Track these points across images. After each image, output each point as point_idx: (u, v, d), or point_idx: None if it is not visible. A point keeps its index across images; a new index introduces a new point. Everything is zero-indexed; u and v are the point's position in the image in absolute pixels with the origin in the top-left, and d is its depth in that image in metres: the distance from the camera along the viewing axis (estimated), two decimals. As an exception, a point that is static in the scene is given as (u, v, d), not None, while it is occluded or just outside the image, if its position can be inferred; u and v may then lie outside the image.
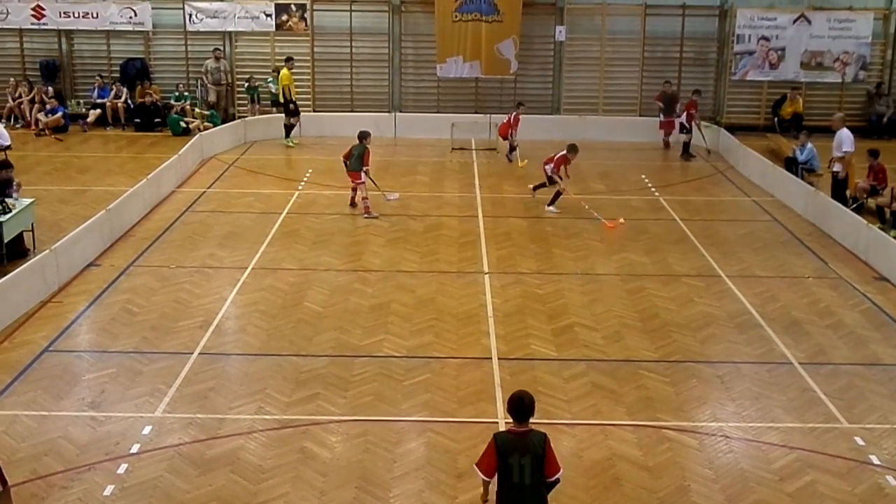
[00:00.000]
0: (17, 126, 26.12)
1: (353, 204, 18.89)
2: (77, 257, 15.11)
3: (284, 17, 27.07)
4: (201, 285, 14.64)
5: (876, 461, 9.88)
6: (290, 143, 25.03)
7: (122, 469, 9.48)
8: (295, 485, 9.31)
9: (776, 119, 27.01)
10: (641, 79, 27.42)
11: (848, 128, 19.31)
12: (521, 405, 7.41)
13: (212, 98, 27.00)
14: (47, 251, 14.27)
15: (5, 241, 14.98)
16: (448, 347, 12.48)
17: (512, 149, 23.38)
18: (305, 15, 27.07)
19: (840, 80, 27.10)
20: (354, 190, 18.80)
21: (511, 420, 7.58)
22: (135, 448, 9.87)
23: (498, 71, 26.96)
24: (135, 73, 27.21)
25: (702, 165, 23.77)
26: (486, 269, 15.57)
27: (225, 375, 11.62)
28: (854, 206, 18.38)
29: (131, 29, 27.11)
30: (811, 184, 19.64)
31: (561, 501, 8.78)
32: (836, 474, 9.64)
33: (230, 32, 27.40)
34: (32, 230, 16.02)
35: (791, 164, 21.43)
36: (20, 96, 26.63)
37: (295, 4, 26.99)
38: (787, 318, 13.67)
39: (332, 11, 27.20)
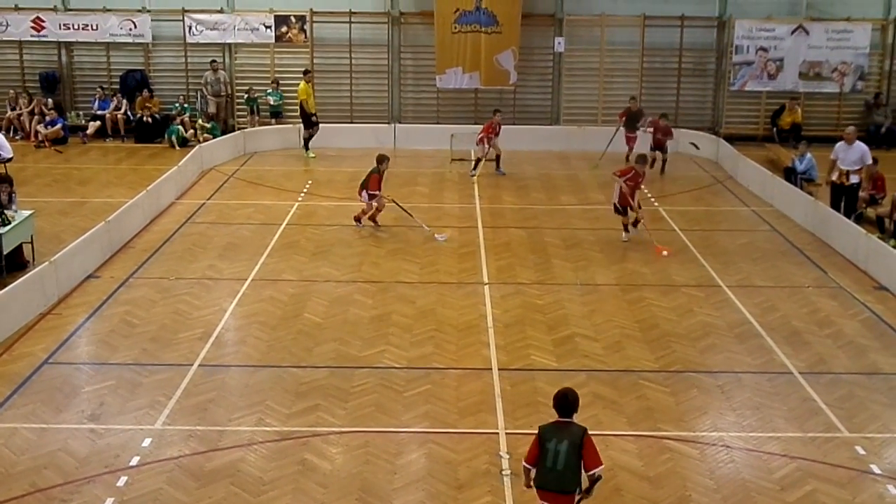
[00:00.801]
0: (17, 138, 26.13)
1: (373, 221, 18.49)
2: (76, 269, 15.11)
3: (284, 29, 27.13)
4: (201, 297, 14.64)
5: (877, 470, 9.87)
6: (311, 155, 24.91)
7: (121, 482, 9.45)
8: (295, 497, 9.29)
9: (775, 129, 27.04)
10: (641, 89, 27.42)
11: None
12: (564, 400, 7.95)
13: (211, 109, 27.03)
14: (47, 263, 14.27)
15: (5, 252, 14.96)
16: (448, 358, 12.47)
17: (496, 158, 23.30)
18: (305, 27, 27.13)
19: (838, 91, 27.15)
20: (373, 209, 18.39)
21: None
22: (134, 460, 9.85)
23: (497, 82, 27.02)
24: (135, 84, 27.25)
25: (701, 175, 23.78)
26: (485, 279, 15.57)
27: (225, 387, 11.60)
28: (854, 216, 18.38)
29: (131, 41, 27.17)
30: (810, 193, 19.64)
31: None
32: (836, 484, 9.62)
33: (230, 44, 27.46)
34: (32, 242, 16.01)
35: (790, 174, 21.45)
36: (20, 108, 26.67)
37: (294, 16, 27.05)
38: (787, 328, 13.67)
39: (331, 23, 27.26)
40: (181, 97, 27.02)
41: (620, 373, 12.06)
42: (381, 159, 18.32)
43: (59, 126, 25.98)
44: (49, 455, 9.95)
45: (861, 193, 18.84)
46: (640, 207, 17.75)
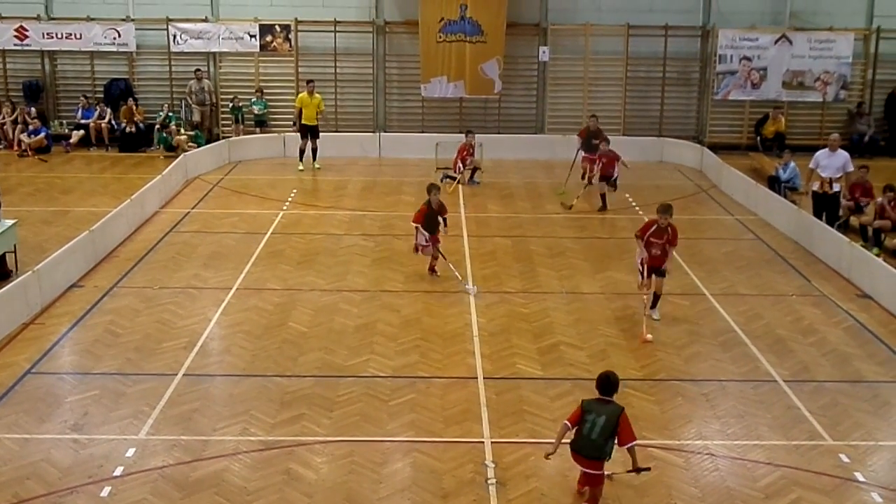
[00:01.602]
0: (0, 147, 26.00)
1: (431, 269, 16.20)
2: (60, 278, 15.03)
3: (269, 38, 27.11)
4: (185, 306, 14.58)
5: (861, 478, 9.90)
6: (299, 168, 24.38)
7: (105, 492, 9.40)
8: (280, 506, 9.26)
9: (759, 138, 27.14)
10: (625, 98, 27.59)
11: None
12: (606, 381, 9.24)
13: (196, 118, 27.00)
14: (30, 272, 14.20)
15: (-13, 262, 14.91)
16: (433, 367, 12.45)
17: (472, 170, 23.28)
18: (290, 36, 27.12)
19: (821, 100, 27.31)
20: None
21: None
22: (118, 471, 9.79)
23: (482, 91, 27.08)
24: (119, 93, 27.18)
25: (685, 184, 23.87)
26: (472, 289, 15.55)
27: (209, 397, 11.56)
28: (838, 224, 18.46)
29: (115, 50, 27.11)
30: (794, 202, 19.74)
31: (547, 521, 8.76)
32: (821, 491, 9.65)
33: (214, 53, 27.44)
34: (15, 251, 15.91)
35: (774, 183, 21.56)
36: (3, 117, 26.56)
37: (279, 25, 27.04)
38: (771, 336, 13.72)
39: (316, 32, 27.26)
40: (165, 106, 26.96)
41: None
42: (429, 188, 16.00)
43: (42, 135, 25.89)
44: (32, 465, 9.88)
45: (844, 201, 18.92)
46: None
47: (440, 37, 26.67)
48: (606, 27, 27.20)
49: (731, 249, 18.11)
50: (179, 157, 23.17)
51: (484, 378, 12.11)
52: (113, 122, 26.76)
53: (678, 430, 10.94)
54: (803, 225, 18.38)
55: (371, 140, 26.94)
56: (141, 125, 26.62)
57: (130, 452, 10.15)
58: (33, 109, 26.36)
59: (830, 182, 18.62)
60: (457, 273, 15.65)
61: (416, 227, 15.73)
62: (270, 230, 18.76)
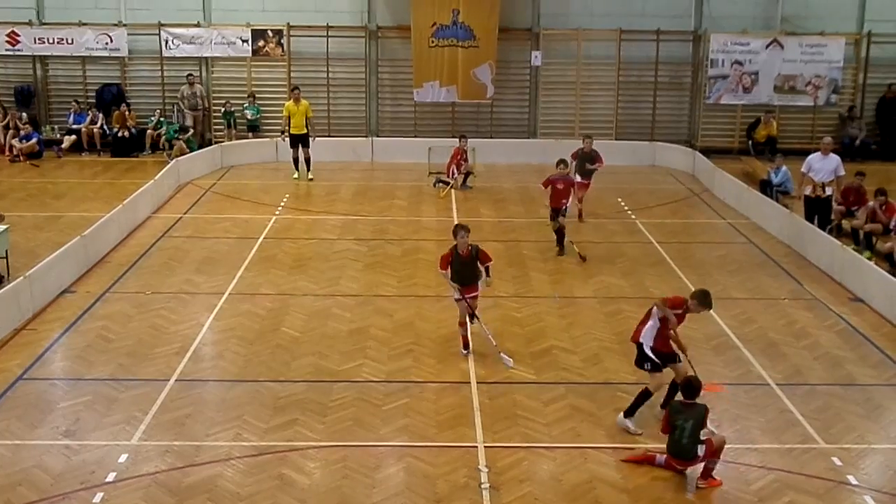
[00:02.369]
0: (-9, 152, 26.00)
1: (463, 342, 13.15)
2: (52, 284, 14.99)
3: (261, 43, 27.11)
4: (178, 311, 14.56)
5: (854, 481, 9.92)
6: (294, 176, 23.94)
7: (97, 498, 9.37)
8: (273, 512, 9.25)
9: (750, 142, 27.23)
10: (617, 103, 27.63)
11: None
12: (690, 386, 9.90)
13: (188, 123, 26.95)
14: (21, 278, 14.16)
15: (-21, 268, 14.86)
16: (427, 372, 12.45)
17: (465, 174, 23.28)
18: (282, 41, 27.12)
19: (813, 104, 27.38)
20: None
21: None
22: (111, 476, 9.76)
23: (474, 96, 27.09)
24: (111, 98, 27.14)
25: (678, 188, 23.91)
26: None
27: (202, 402, 11.53)
28: (829, 227, 18.50)
29: (107, 55, 27.06)
30: (786, 206, 19.78)
31: (541, 525, 8.75)
32: (814, 495, 9.67)
33: (206, 58, 27.42)
34: (6, 257, 15.86)
35: (766, 187, 21.61)
36: (-6, 122, 26.53)
37: (272, 30, 27.04)
38: (763, 340, 13.74)
39: (308, 37, 27.26)
40: (157, 111, 26.93)
41: (599, 385, 12.08)
42: (456, 230, 12.99)
43: (34, 140, 25.82)
44: (24, 472, 9.84)
45: (836, 205, 18.96)
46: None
47: (432, 41, 26.68)
48: (598, 32, 27.22)
49: (724, 253, 18.15)
50: (171, 162, 23.13)
51: (477, 382, 12.11)
52: (105, 127, 26.71)
53: (671, 433, 10.93)
54: (795, 228, 18.42)
55: (364, 145, 26.94)
56: (133, 130, 26.57)
57: (123, 458, 10.12)
58: (25, 115, 26.24)
59: (823, 186, 18.63)
60: (493, 341, 13.00)
61: (444, 275, 12.94)
62: (263, 235, 18.74)
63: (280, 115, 25.12)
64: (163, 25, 26.80)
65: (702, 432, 9.85)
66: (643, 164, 26.30)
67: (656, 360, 10.77)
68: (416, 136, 27.18)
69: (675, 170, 25.91)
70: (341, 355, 12.91)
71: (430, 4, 26.49)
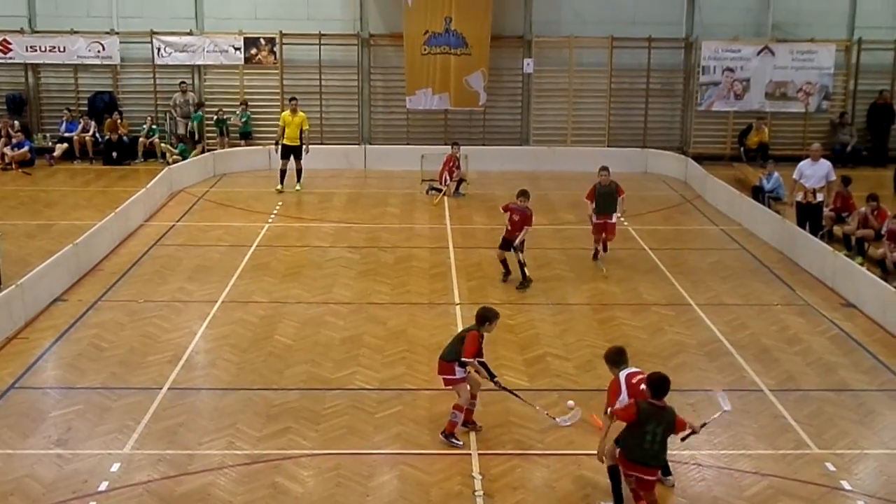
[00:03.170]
0: (-17, 161, 25.94)
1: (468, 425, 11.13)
2: (43, 292, 14.95)
3: (254, 51, 27.13)
4: (170, 319, 14.52)
5: (847, 486, 9.93)
6: (278, 188, 23.27)
7: (90, 507, 9.35)
8: (266, 520, 9.22)
9: (742, 149, 27.32)
10: (609, 110, 27.69)
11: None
12: (662, 383, 8.90)
13: (180, 131, 26.94)
14: (13, 286, 14.12)
15: (-29, 276, 14.82)
16: (420, 379, 12.43)
17: (458, 182, 23.29)
18: (275, 48, 27.13)
19: (804, 110, 27.48)
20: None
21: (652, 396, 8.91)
22: (103, 486, 9.72)
23: (467, 103, 27.13)
24: (103, 106, 27.14)
25: (670, 195, 23.95)
26: (457, 300, 15.56)
27: (195, 410, 11.50)
28: (821, 233, 18.55)
29: (99, 62, 27.07)
30: (778, 212, 19.82)
31: (535, 533, 8.73)
32: (808, 500, 9.67)
33: (199, 66, 27.41)
34: (-2, 265, 15.87)
35: (758, 193, 21.66)
36: (-14, 131, 26.45)
37: (264, 38, 27.06)
38: (756, 346, 13.76)
39: (301, 45, 27.29)
40: (149, 118, 26.91)
41: (592, 392, 12.04)
42: (486, 317, 10.98)
43: (26, 148, 25.79)
44: (15, 481, 9.80)
45: (827, 211, 19.00)
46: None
47: (425, 49, 26.72)
48: (590, 39, 27.31)
49: (716, 259, 18.17)
50: (164, 170, 23.09)
51: (470, 390, 12.07)
52: (97, 135, 26.68)
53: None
54: (787, 235, 18.46)
55: (356, 152, 26.96)
56: (125, 138, 26.54)
57: (115, 467, 10.08)
58: (17, 123, 26.23)
59: (814, 192, 18.66)
60: (542, 410, 11.43)
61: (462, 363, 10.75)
62: (256, 243, 18.72)
63: (272, 122, 25.12)
64: (155, 33, 26.80)
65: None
66: (635, 170, 26.31)
67: None
68: (408, 144, 27.20)
69: (668, 176, 25.97)
70: (334, 363, 12.89)
71: (422, 12, 26.53)
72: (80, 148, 26.65)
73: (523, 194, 16.31)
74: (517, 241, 16.04)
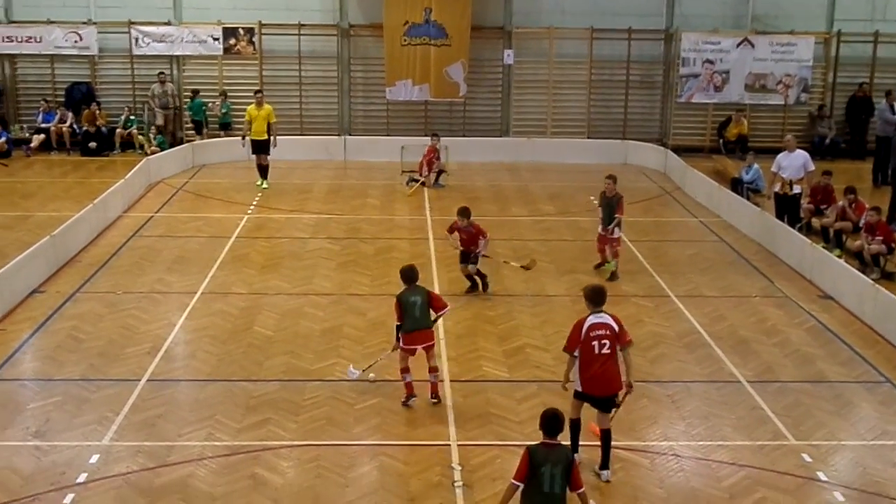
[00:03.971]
0: (-40, 151, 25.71)
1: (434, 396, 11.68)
2: (20, 284, 14.85)
3: (232, 41, 26.99)
4: (149, 311, 14.47)
5: (823, 477, 10.01)
6: (260, 185, 22.78)
7: (68, 499, 9.31)
8: (246, 512, 9.21)
9: (721, 140, 27.43)
10: (589, 101, 27.74)
11: (793, 149, 19.62)
12: (554, 421, 8.08)
13: (159, 122, 26.80)
14: (-10, 278, 14.03)
15: (-53, 268, 14.70)
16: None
17: (438, 172, 23.32)
18: (254, 39, 27.00)
19: (783, 103, 27.60)
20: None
21: (543, 435, 8.16)
22: (82, 477, 9.69)
23: (447, 94, 27.11)
24: (80, 97, 26.96)
25: (650, 186, 24.03)
26: (437, 291, 15.53)
27: (174, 402, 11.47)
28: (799, 226, 18.64)
29: (76, 53, 26.86)
30: (757, 204, 19.92)
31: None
32: (785, 491, 9.74)
33: (177, 56, 27.26)
34: (-25, 257, 15.75)
35: (737, 185, 21.75)
36: (-38, 121, 26.25)
37: (243, 28, 26.92)
38: (734, 337, 13.83)
39: (280, 35, 27.17)
40: (127, 108, 26.75)
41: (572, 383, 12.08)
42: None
43: (2, 139, 25.58)
44: (-7, 473, 9.76)
45: (805, 204, 19.09)
46: None
47: (405, 40, 26.67)
48: (570, 30, 27.32)
49: (695, 251, 18.25)
50: (142, 161, 22.96)
51: (450, 381, 12.11)
52: (74, 126, 26.51)
53: (644, 431, 10.99)
54: (766, 227, 18.56)
55: (336, 143, 26.90)
56: (103, 129, 26.38)
57: (94, 459, 10.05)
58: (-7, 113, 26.09)
59: (790, 183, 18.74)
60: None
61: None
62: (235, 234, 18.66)
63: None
64: (133, 23, 26.62)
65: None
66: (615, 162, 26.39)
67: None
68: (388, 135, 27.16)
69: (647, 168, 26.06)
70: (314, 354, 12.88)
71: (402, 3, 26.50)
72: (58, 139, 26.46)
73: (462, 213, 15.14)
74: (478, 251, 15.19)
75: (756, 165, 21.71)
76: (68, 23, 26.58)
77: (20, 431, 10.67)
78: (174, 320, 14.08)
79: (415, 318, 11.29)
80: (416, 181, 23.00)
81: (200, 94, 26.96)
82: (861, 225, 17.39)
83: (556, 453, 8.00)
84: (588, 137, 27.49)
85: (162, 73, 26.84)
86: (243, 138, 22.97)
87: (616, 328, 9.78)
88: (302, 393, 11.71)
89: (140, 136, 26.50)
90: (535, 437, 10.63)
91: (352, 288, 15.69)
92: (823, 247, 17.29)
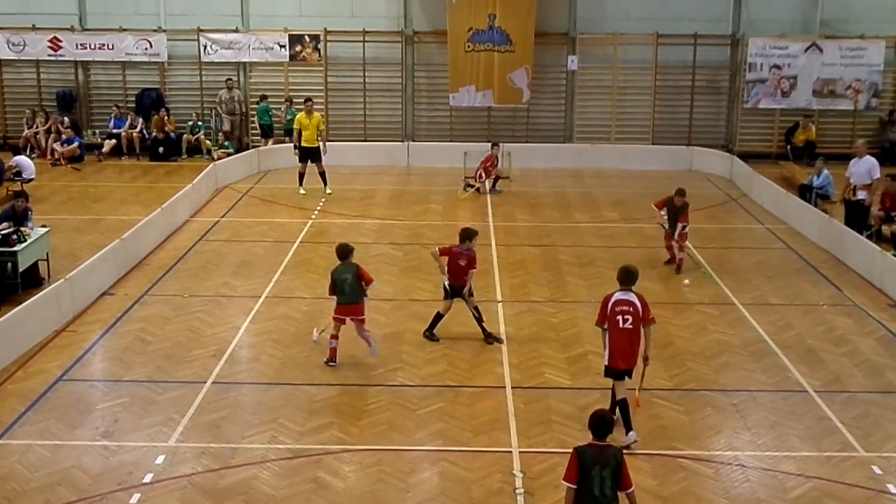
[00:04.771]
0: (33, 156, 26.22)
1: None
2: (91, 286, 15.16)
3: (298, 48, 27.28)
4: (215, 314, 14.66)
5: (893, 490, 9.78)
6: (328, 191, 22.66)
7: (134, 499, 9.46)
8: (308, 514, 9.28)
9: (789, 147, 27.01)
10: (654, 107, 27.50)
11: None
12: (602, 423, 7.99)
13: (226, 127, 27.20)
14: (62, 280, 14.33)
15: (20, 269, 15.04)
16: (461, 376, 12.44)
17: (495, 182, 23.29)
18: (319, 46, 27.27)
19: (852, 108, 27.09)
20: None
21: (592, 436, 8.02)
22: (148, 478, 9.85)
23: (510, 100, 27.08)
24: (150, 103, 27.48)
25: (715, 193, 23.74)
26: (499, 297, 15.55)
27: (238, 404, 11.61)
28: (868, 233, 18.30)
29: (147, 60, 27.39)
30: (825, 211, 19.58)
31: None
32: (853, 504, 9.56)
33: (244, 63, 27.63)
34: (47, 259, 16.10)
35: (805, 192, 21.39)
36: (37, 126, 26.86)
37: (309, 35, 27.20)
38: (802, 346, 13.60)
39: (345, 42, 27.39)
40: (195, 114, 27.20)
41: (631, 390, 11.99)
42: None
43: (75, 144, 26.18)
44: (63, 472, 9.96)
45: (875, 211, 18.72)
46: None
47: (469, 46, 26.70)
48: (635, 36, 27.13)
49: (762, 259, 17.99)
50: (209, 167, 23.30)
51: (512, 387, 12.09)
52: (144, 131, 27.02)
53: (708, 440, 10.86)
54: (834, 234, 18.22)
55: (399, 149, 27.01)
56: (172, 135, 26.85)
57: (160, 459, 10.21)
58: (66, 119, 26.68)
59: (854, 189, 18.45)
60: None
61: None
62: (299, 239, 18.83)
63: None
64: (202, 31, 27.05)
65: None
66: (680, 168, 26.14)
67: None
68: (451, 141, 27.21)
69: (713, 174, 25.74)
70: (376, 359, 12.93)
71: (466, 9, 26.52)
72: (128, 144, 26.99)
73: (469, 238, 13.54)
74: (466, 289, 13.56)
75: (826, 171, 21.31)
76: (139, 30, 27.11)
77: (90, 431, 10.88)
78: (238, 324, 14.25)
79: (344, 293, 12.51)
80: (472, 187, 23.02)
81: (268, 98, 27.27)
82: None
83: (605, 455, 7.86)
84: (652, 143, 27.27)
85: (229, 79, 27.23)
86: (295, 147, 22.87)
87: (640, 306, 10.60)
88: (363, 398, 11.77)
89: (207, 142, 26.92)
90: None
91: (414, 293, 15.74)
92: (894, 254, 16.92)
